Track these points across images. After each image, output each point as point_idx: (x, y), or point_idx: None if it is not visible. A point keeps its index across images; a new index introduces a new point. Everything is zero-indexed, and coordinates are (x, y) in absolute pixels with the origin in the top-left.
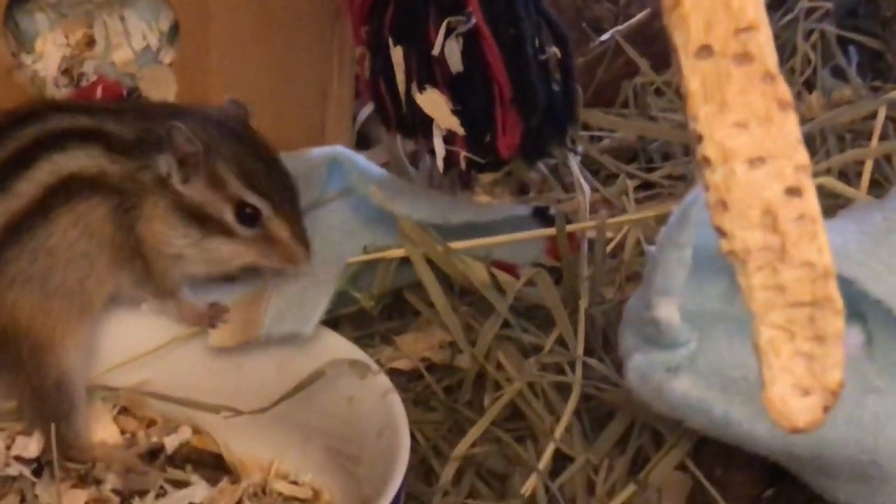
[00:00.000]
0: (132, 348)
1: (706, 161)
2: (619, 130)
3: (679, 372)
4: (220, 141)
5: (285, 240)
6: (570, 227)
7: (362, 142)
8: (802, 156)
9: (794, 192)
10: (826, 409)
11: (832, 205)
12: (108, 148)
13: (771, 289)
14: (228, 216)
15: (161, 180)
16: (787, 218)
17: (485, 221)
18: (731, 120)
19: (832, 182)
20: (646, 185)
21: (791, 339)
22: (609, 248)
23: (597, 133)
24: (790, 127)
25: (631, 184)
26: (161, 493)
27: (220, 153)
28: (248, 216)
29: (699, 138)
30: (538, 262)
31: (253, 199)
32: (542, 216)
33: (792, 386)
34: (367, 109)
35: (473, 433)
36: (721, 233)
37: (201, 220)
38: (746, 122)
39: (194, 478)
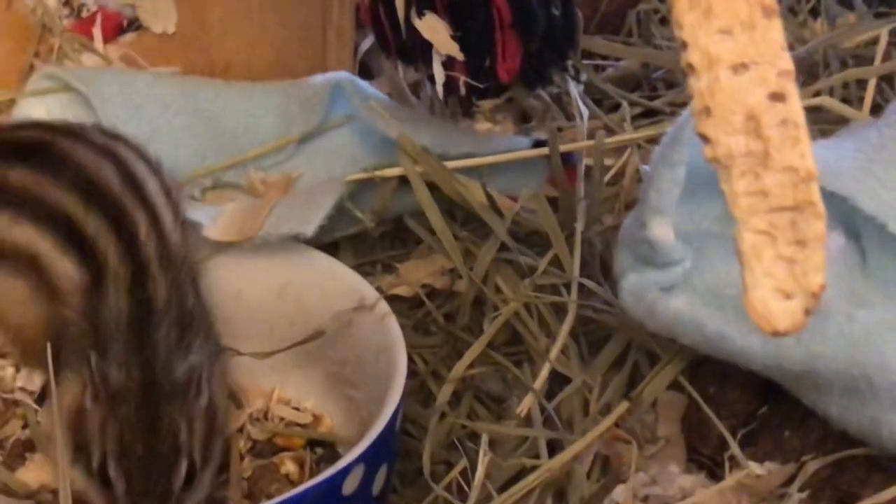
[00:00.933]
0: None
1: (691, 68)
2: (623, 58)
3: (674, 291)
4: (125, 397)
5: None
6: (564, 147)
7: (364, 73)
8: (786, 62)
9: (777, 97)
10: (807, 311)
11: (833, 129)
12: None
13: (754, 194)
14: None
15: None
16: (770, 123)
17: (484, 153)
18: (716, 27)
19: (833, 102)
20: (649, 113)
21: (773, 243)
22: (609, 175)
23: (601, 62)
24: (774, 33)
25: (631, 111)
26: None
27: (120, 405)
28: (104, 480)
29: (684, 45)
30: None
31: (113, 471)
32: (542, 148)
33: (773, 290)
34: (369, 41)
35: (470, 354)
36: (705, 139)
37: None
38: (731, 28)
39: None
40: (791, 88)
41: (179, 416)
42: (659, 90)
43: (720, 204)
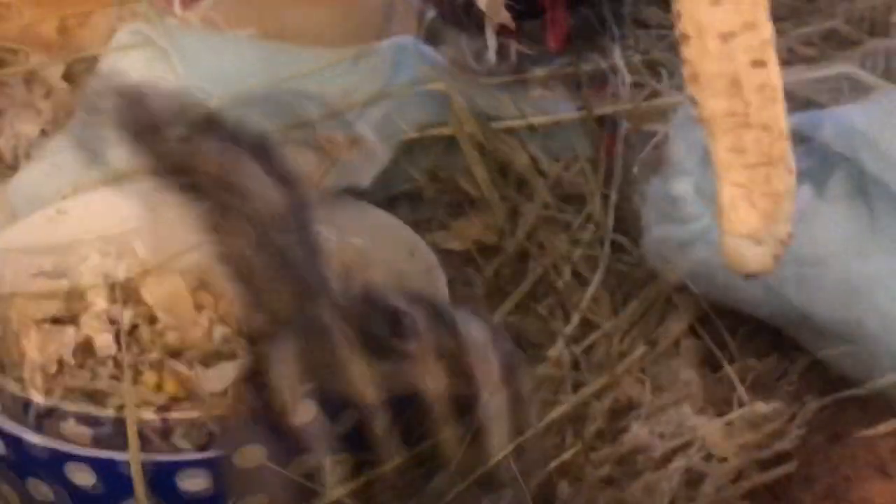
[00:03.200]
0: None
1: (684, 37)
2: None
3: (695, 244)
4: None
5: None
6: (601, 110)
7: (430, 40)
8: (767, 30)
9: (758, 63)
10: (776, 257)
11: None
12: None
13: (734, 151)
14: None
15: None
16: (750, 87)
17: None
18: None
19: (857, 71)
20: None
21: (748, 195)
22: (655, 140)
23: (657, 31)
24: (760, 2)
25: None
26: None
27: None
28: None
29: (678, 16)
30: None
31: None
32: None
33: (747, 237)
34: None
35: (511, 301)
36: (693, 102)
37: None
38: None
39: None
40: (771, 55)
41: None
42: None
43: None
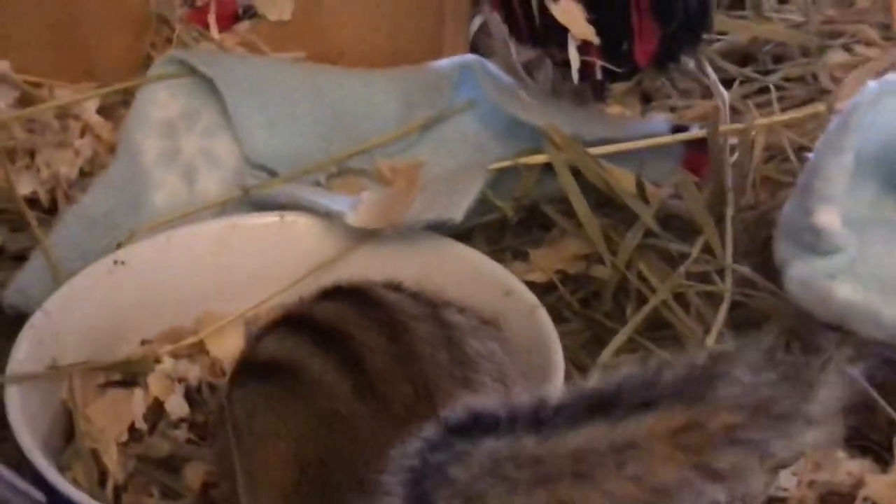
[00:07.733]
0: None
1: None
2: (732, 32)
3: (839, 278)
4: None
5: None
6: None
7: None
8: None
9: None
10: None
11: None
12: None
13: None
14: None
15: None
16: None
17: (619, 138)
18: None
19: None
20: (762, 90)
21: None
22: (735, 155)
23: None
24: None
25: (741, 88)
26: None
27: None
28: None
29: None
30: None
31: None
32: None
33: None
34: (478, 20)
35: (618, 340)
36: None
37: None
38: None
39: None
40: None
41: None
42: (767, 65)
43: (872, 186)
